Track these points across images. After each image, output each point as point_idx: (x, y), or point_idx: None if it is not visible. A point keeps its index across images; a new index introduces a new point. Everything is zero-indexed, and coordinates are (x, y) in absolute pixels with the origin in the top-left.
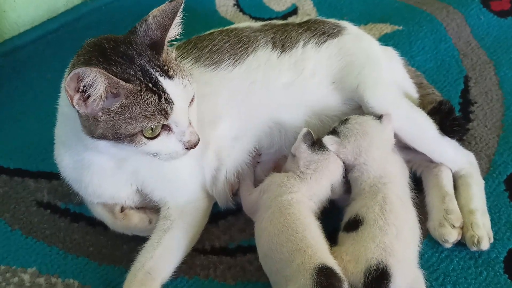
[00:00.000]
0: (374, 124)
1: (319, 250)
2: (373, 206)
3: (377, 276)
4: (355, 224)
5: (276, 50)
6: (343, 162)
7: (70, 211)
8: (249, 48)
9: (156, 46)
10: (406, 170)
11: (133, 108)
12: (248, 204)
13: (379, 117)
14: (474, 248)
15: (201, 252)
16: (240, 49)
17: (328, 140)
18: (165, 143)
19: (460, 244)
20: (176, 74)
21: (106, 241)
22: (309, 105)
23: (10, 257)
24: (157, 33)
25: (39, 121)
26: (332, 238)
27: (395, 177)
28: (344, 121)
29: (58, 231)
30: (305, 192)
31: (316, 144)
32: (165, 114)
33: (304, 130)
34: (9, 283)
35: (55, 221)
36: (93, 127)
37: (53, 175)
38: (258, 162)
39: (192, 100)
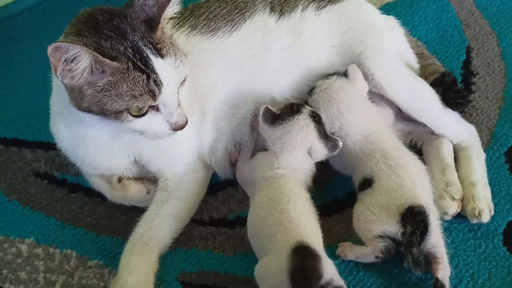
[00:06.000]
0: (339, 85)
1: (300, 225)
2: (377, 165)
3: (414, 214)
4: (367, 182)
5: (274, 14)
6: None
7: (68, 182)
8: (246, 13)
9: (152, 23)
10: (388, 115)
11: (120, 86)
12: (241, 175)
13: (344, 73)
14: (475, 221)
15: (199, 223)
16: (237, 15)
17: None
18: (151, 122)
19: (459, 216)
20: (169, 53)
21: (104, 212)
22: (308, 69)
23: (7, 228)
24: (154, 9)
25: (36, 90)
26: (332, 208)
27: (381, 132)
28: (310, 91)
29: (56, 201)
30: (286, 166)
31: (280, 117)
32: (153, 95)
33: (262, 108)
34: (7, 253)
35: (52, 192)
36: (78, 100)
37: (50, 145)
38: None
39: (184, 81)
